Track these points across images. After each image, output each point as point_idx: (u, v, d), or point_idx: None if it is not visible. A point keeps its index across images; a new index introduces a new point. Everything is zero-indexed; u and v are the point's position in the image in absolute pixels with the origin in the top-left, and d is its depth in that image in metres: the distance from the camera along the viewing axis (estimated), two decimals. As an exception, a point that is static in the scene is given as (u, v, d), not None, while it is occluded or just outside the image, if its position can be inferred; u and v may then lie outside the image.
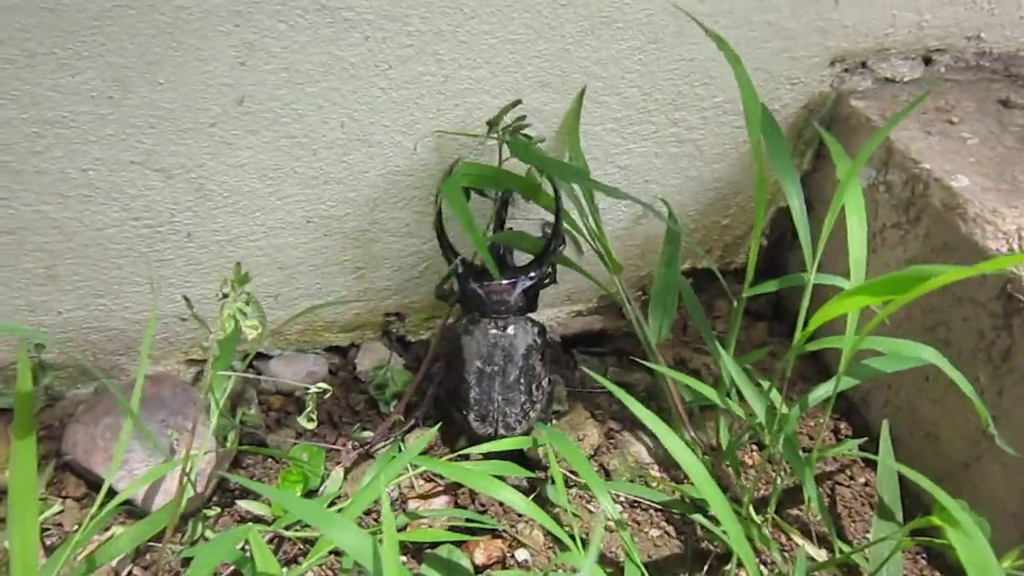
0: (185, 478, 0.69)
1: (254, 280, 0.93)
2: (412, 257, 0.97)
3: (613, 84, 0.89)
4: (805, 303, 0.76)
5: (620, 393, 0.71)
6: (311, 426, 0.68)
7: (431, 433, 0.74)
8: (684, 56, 0.90)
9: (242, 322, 0.64)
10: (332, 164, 0.87)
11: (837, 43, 0.95)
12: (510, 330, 0.87)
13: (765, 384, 0.80)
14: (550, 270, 0.91)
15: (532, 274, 0.88)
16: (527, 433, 0.88)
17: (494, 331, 0.87)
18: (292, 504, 0.58)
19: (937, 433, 0.86)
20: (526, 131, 0.85)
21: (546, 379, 0.91)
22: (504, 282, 0.87)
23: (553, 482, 0.78)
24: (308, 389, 0.67)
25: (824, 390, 0.80)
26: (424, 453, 0.82)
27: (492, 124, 0.83)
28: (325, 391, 0.69)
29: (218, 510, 0.76)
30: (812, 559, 0.79)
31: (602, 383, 0.73)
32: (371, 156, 0.87)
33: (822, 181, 1.01)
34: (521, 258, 0.94)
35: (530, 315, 0.90)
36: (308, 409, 0.68)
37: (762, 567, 0.81)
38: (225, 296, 0.67)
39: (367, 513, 0.84)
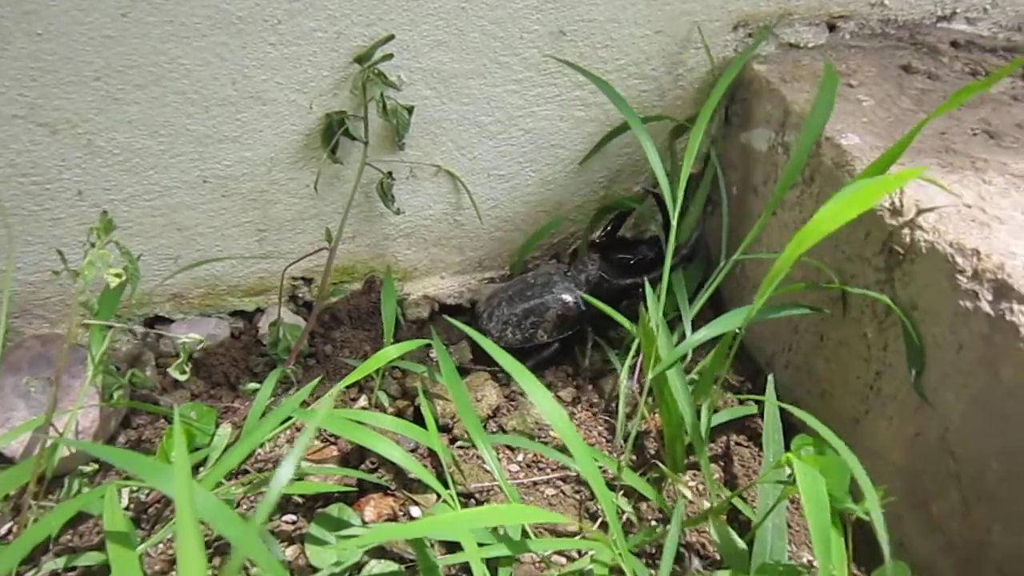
0: (53, 432, 0.68)
1: (152, 241, 0.92)
2: (314, 220, 0.96)
3: (512, 44, 0.89)
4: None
5: (494, 349, 0.71)
6: (183, 377, 0.67)
7: (311, 384, 0.73)
8: (584, 16, 0.90)
9: (103, 270, 0.63)
10: (225, 122, 0.86)
11: (739, 7, 0.95)
12: (566, 283, 1.00)
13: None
14: (630, 284, 1.01)
15: (622, 279, 1.00)
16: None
17: (561, 274, 1.01)
18: (111, 455, 0.58)
19: (831, 391, 0.87)
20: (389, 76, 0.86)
21: (545, 339, 0.99)
22: (591, 262, 1.01)
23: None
24: (180, 339, 0.67)
25: (715, 329, 0.80)
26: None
27: (360, 60, 0.82)
28: (200, 342, 0.68)
29: (95, 467, 0.74)
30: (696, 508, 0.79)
31: (473, 338, 0.73)
32: (266, 114, 0.86)
33: (730, 146, 1.02)
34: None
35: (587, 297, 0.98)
36: (180, 360, 0.67)
37: (648, 521, 0.82)
38: (92, 245, 0.66)
39: (259, 470, 0.84)
